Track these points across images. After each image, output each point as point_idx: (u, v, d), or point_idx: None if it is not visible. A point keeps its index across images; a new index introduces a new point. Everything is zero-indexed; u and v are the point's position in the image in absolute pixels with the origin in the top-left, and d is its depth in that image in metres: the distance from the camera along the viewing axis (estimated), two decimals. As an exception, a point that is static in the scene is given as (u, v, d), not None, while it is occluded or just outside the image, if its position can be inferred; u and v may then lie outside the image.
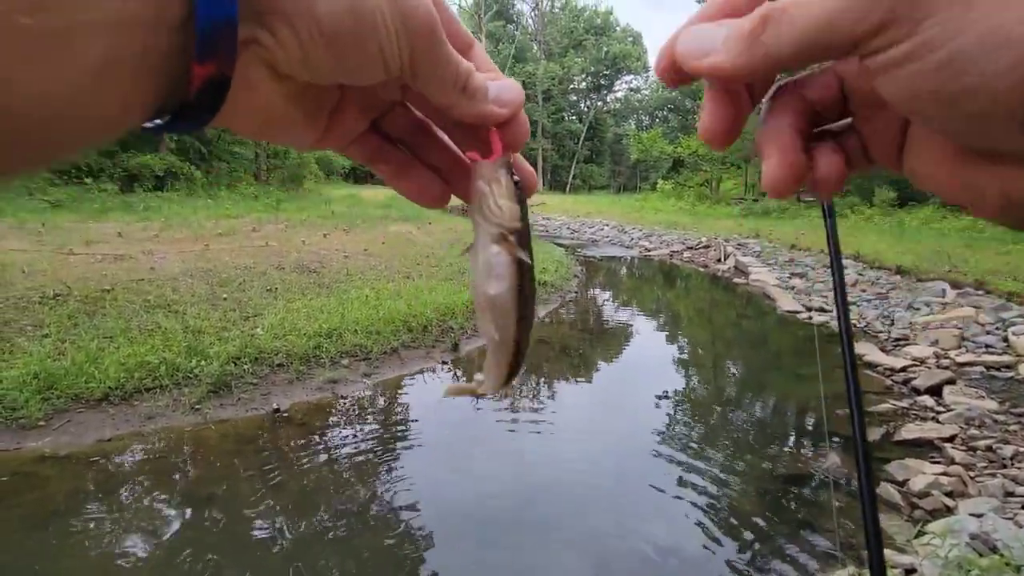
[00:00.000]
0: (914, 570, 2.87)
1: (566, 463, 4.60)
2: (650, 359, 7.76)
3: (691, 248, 16.73)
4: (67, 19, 0.22)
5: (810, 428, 5.30)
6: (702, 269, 14.46)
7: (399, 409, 5.41)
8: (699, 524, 3.74)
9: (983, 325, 7.38)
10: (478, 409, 5.50)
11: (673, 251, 16.71)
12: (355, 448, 4.56)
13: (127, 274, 7.27)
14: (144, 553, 3.23)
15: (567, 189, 57.12)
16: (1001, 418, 5.00)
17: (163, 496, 3.79)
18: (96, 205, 13.31)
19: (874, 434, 4.88)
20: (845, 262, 12.47)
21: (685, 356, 8.01)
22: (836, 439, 4.85)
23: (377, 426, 5.00)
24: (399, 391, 5.73)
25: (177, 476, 4.03)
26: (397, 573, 3.22)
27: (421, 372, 6.16)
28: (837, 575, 3.09)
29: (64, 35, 0.22)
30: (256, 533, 3.46)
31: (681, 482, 4.26)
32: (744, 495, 4.12)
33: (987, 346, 6.79)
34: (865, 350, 7.00)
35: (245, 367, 5.37)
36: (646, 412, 5.62)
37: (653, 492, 4.18)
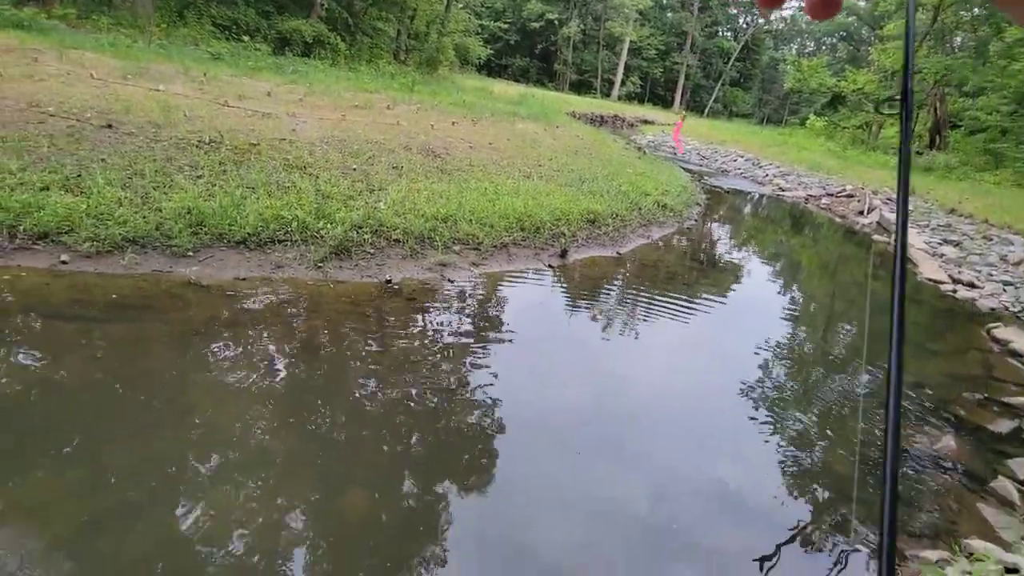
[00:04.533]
0: (1017, 570, 2.66)
1: (649, 388, 4.60)
2: (759, 305, 7.36)
3: (831, 195, 15.30)
4: None
5: (928, 407, 4.90)
6: (839, 219, 13.28)
7: (499, 302, 5.54)
8: (773, 480, 3.64)
9: None
10: (574, 317, 5.54)
11: (810, 195, 15.38)
12: (453, 331, 4.77)
13: (272, 132, 7.72)
14: (256, 385, 3.61)
15: (705, 112, 53.34)
16: None
17: (280, 337, 4.18)
18: (251, 63, 14.04)
19: (1002, 426, 4.44)
20: (1013, 238, 10.97)
21: (797, 309, 7.54)
22: (957, 422, 4.48)
23: (476, 314, 5.17)
24: (502, 285, 5.85)
25: (294, 322, 4.42)
26: (462, 458, 3.40)
27: (526, 271, 6.24)
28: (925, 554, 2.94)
29: None
30: (352, 389, 3.76)
31: (764, 434, 4.12)
32: (829, 460, 3.93)
33: None
34: (1013, 336, 6.25)
35: (366, 236, 5.66)
36: (742, 357, 5.40)
37: (733, 438, 4.10)
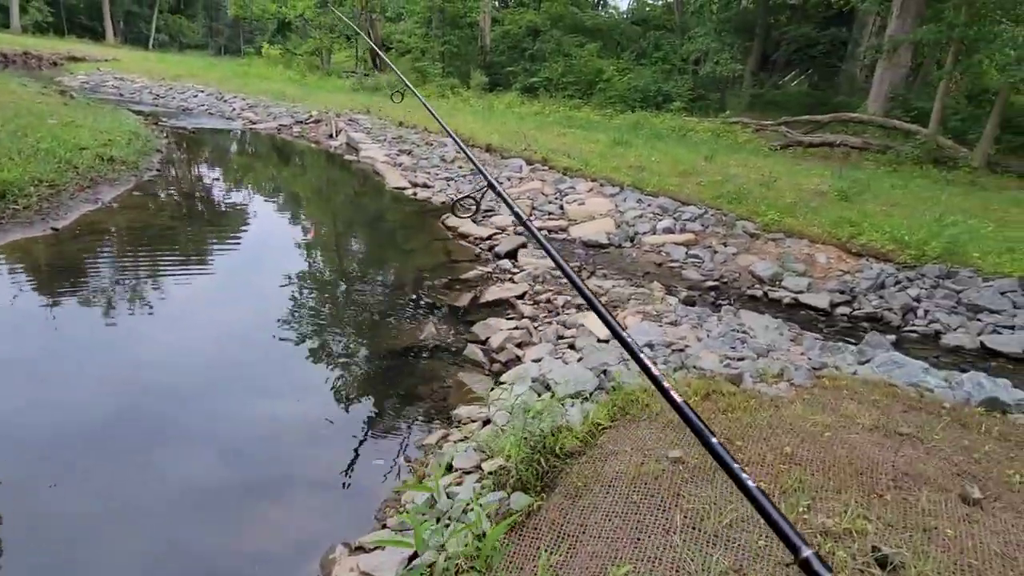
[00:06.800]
0: (489, 420, 3.20)
1: (184, 357, 4.10)
2: (265, 241, 7.21)
3: (301, 122, 15.61)
4: None
5: (415, 300, 5.49)
6: (314, 145, 13.69)
7: None
8: (327, 398, 3.80)
9: (547, 195, 8.75)
10: (54, 317, 4.27)
11: (281, 125, 15.35)
12: None
13: None
14: None
15: (150, 44, 46.94)
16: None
17: None
18: None
19: (463, 300, 5.34)
20: (446, 140, 13.34)
21: (302, 238, 7.56)
22: (435, 309, 5.17)
23: None
24: None
25: None
26: None
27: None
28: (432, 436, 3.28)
29: None
30: None
31: (307, 360, 4.25)
32: (365, 367, 4.27)
33: (549, 213, 8.10)
34: (460, 223, 7.60)
35: None
36: (268, 295, 5.31)
37: (280, 372, 4.12)
